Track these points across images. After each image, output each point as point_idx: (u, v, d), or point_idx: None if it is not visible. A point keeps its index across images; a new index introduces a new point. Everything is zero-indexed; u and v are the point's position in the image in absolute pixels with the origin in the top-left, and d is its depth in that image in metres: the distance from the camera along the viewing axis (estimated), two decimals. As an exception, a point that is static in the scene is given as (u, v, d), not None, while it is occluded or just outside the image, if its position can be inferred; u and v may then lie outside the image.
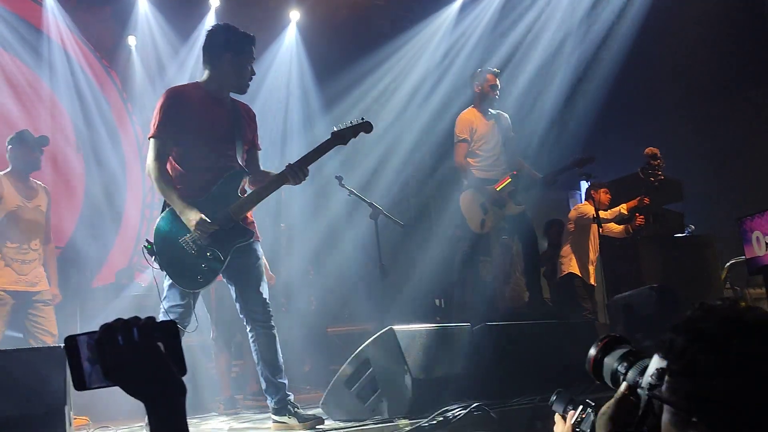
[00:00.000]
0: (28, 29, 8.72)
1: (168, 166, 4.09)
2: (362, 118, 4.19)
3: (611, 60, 8.76)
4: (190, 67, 9.08)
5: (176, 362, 1.32)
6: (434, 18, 9.72)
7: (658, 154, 7.15)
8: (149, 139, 4.08)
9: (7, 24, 8.45)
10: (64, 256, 8.10)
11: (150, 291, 7.50)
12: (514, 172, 6.41)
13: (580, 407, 2.00)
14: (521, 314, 6.93)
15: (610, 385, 1.53)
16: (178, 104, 4.07)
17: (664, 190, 7.63)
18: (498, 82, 6.59)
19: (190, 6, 9.29)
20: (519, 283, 7.69)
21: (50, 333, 5.67)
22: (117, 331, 1.30)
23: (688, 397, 1.18)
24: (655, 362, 1.30)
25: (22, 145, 5.68)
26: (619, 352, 1.53)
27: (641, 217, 7.30)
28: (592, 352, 1.56)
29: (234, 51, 4.10)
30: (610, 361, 1.53)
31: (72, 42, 9.01)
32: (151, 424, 1.30)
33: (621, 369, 1.49)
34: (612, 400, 1.48)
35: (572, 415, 2.07)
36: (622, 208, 7.41)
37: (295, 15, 9.72)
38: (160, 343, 1.32)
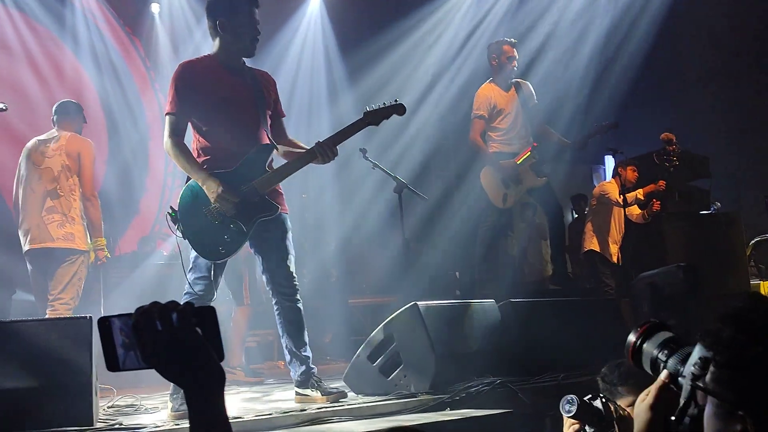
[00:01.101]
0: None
1: (193, 142, 4.05)
2: (395, 100, 4.14)
3: (642, 31, 8.58)
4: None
5: (215, 348, 1.31)
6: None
7: (674, 140, 7.02)
8: (165, 115, 4.02)
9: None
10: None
11: (173, 260, 7.53)
12: (535, 144, 6.30)
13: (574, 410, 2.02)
14: (545, 290, 6.90)
15: (649, 372, 1.49)
16: (191, 77, 3.99)
17: (689, 166, 7.52)
18: (515, 52, 6.45)
19: (213, -27, 9.21)
20: (543, 256, 7.65)
21: None
22: (155, 315, 1.28)
23: (734, 389, 1.15)
24: (698, 351, 1.26)
25: (78, 113, 5.74)
26: (659, 338, 1.48)
27: (657, 203, 7.20)
28: (632, 338, 1.52)
29: (226, 15, 3.97)
30: (650, 348, 1.48)
31: (96, 9, 8.98)
32: (190, 408, 1.30)
33: (661, 356, 1.45)
34: (651, 387, 1.46)
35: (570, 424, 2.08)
36: (639, 194, 7.34)
37: (319, -17, 9.63)
38: (198, 329, 1.30)
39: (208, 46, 8.86)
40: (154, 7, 9.29)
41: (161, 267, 7.09)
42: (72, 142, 5.51)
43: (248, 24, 4.01)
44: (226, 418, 1.32)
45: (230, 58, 4.08)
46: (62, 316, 5.07)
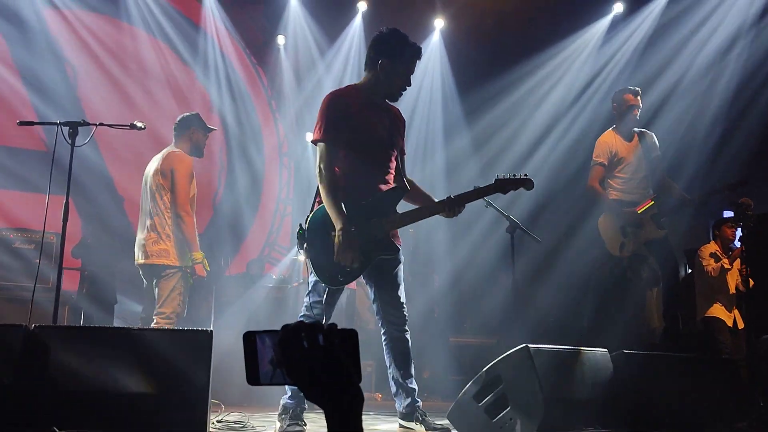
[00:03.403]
0: (188, 25, 9.20)
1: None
2: (525, 174, 4.22)
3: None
4: (336, 69, 9.30)
5: (355, 369, 1.34)
6: (583, 33, 9.51)
7: (752, 205, 6.69)
8: (314, 143, 4.11)
9: (170, 19, 8.94)
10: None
11: (282, 284, 7.74)
12: (656, 196, 6.16)
13: None
14: (656, 344, 6.66)
15: None
16: (342, 108, 4.09)
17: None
18: (639, 101, 6.34)
19: (339, 9, 9.52)
20: (655, 310, 7.39)
21: None
22: (302, 333, 1.32)
23: None
24: None
25: (196, 128, 5.75)
26: None
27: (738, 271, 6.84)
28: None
29: (391, 58, 4.09)
30: None
31: (226, 39, 9.42)
32: (329, 427, 1.32)
33: None
34: None
35: None
36: (724, 263, 7.04)
37: (439, 23, 9.79)
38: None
39: (330, 79, 9.27)
40: (280, 39, 9.66)
41: (270, 290, 7.27)
42: (166, 161, 5.57)
43: (405, 74, 4.14)
44: None
45: (376, 94, 4.19)
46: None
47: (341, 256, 3.87)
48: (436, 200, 4.19)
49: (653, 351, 5.55)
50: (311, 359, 1.31)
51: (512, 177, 4.17)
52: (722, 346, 6.89)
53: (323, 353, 1.31)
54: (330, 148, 4.04)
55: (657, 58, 8.97)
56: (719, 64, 8.59)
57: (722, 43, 8.54)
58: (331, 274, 3.97)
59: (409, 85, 4.20)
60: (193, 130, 5.74)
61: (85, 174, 7.32)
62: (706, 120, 8.61)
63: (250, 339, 1.40)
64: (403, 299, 4.16)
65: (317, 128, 4.08)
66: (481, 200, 5.36)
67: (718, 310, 7.12)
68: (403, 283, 4.21)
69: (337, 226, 3.91)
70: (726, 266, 7.07)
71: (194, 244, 5.51)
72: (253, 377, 1.39)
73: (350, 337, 1.36)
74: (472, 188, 5.28)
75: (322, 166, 4.03)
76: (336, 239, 3.89)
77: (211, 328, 4.44)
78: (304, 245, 3.97)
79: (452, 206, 4.03)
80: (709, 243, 7.58)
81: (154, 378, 3.55)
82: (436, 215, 4.16)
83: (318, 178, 4.05)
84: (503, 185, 4.15)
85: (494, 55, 9.76)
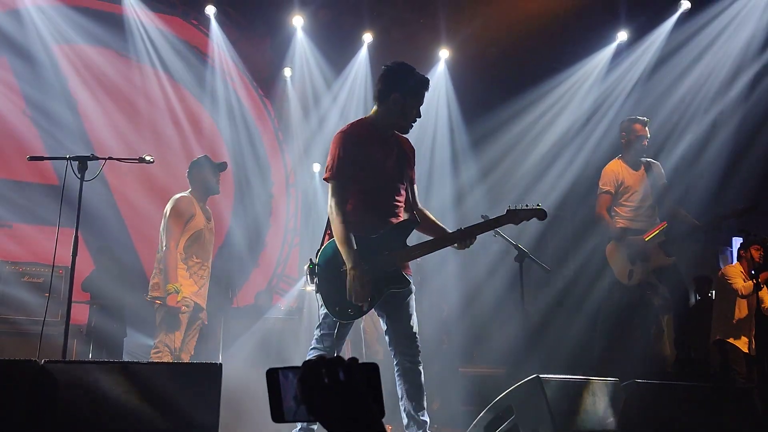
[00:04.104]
0: (196, 58, 9.31)
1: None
2: (538, 205, 4.20)
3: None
4: (343, 101, 9.37)
5: (377, 404, 1.33)
6: (587, 61, 9.57)
7: None
8: (326, 180, 4.12)
9: (177, 53, 9.04)
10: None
11: (290, 315, 7.72)
12: (664, 223, 6.16)
13: None
14: (666, 372, 6.61)
15: None
16: (354, 145, 4.08)
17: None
18: (646, 131, 6.37)
19: (345, 42, 9.62)
20: (666, 338, 7.34)
21: (190, 351, 5.91)
22: (322, 369, 1.31)
23: None
24: None
25: (202, 169, 5.99)
26: None
27: None
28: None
29: (402, 91, 4.10)
30: None
31: (233, 71, 9.51)
32: None
33: None
34: None
35: None
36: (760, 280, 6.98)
37: (444, 53, 9.85)
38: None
39: (336, 110, 9.33)
40: (287, 71, 9.74)
41: (279, 321, 7.25)
42: (168, 203, 5.87)
43: (416, 106, 4.16)
44: None
45: (386, 127, 4.20)
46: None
47: (355, 295, 3.88)
48: (448, 230, 4.19)
49: (665, 380, 5.50)
50: (332, 395, 1.30)
51: (525, 208, 4.16)
52: (736, 374, 6.83)
53: (344, 389, 1.30)
54: (342, 186, 4.04)
55: (662, 86, 9.02)
56: (725, 90, 8.62)
57: (728, 70, 8.58)
58: (342, 309, 3.97)
59: (420, 116, 4.21)
60: (200, 173, 5.98)
61: (95, 208, 7.36)
62: (714, 147, 8.63)
63: (273, 376, 1.40)
64: (415, 329, 4.14)
65: (329, 167, 4.08)
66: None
67: (734, 334, 7.05)
68: (415, 313, 4.19)
69: (349, 264, 3.90)
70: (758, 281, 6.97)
71: (170, 275, 5.63)
72: (278, 414, 1.40)
73: (371, 371, 1.35)
74: (482, 219, 5.33)
75: (333, 204, 4.02)
76: (348, 277, 3.89)
77: (220, 361, 4.43)
78: (315, 280, 3.97)
79: (464, 238, 4.03)
80: (732, 264, 7.51)
81: (164, 413, 3.52)
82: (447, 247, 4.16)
83: (330, 216, 4.05)
84: (515, 216, 4.15)
85: (499, 85, 9.83)
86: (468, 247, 4.08)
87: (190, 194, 5.93)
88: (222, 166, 6.06)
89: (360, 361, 1.33)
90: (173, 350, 5.59)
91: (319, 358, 1.33)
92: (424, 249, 4.10)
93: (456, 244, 4.08)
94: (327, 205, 4.13)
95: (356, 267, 3.88)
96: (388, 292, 4.01)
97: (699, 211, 7.22)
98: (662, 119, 8.68)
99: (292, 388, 1.37)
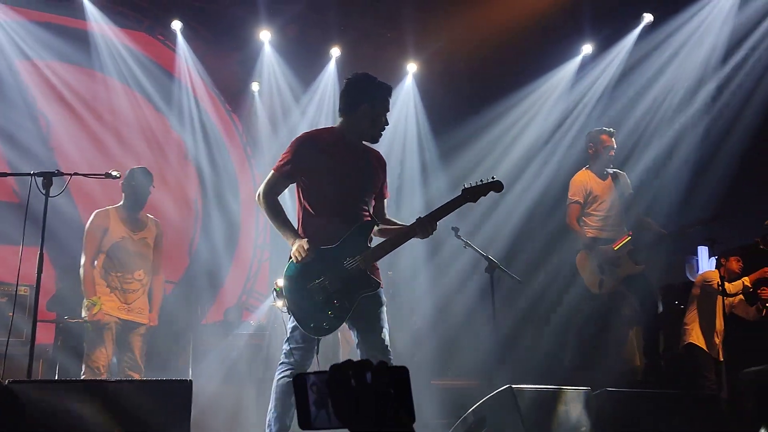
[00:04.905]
0: (162, 73, 9.23)
1: (298, 210, 4.14)
2: (492, 177, 4.15)
3: (753, 114, 8.35)
4: (311, 115, 9.36)
5: (406, 409, 1.30)
6: (553, 74, 9.67)
7: None
8: (272, 171, 4.14)
9: (143, 68, 8.96)
10: (177, 292, 8.39)
11: (260, 330, 7.65)
12: (631, 233, 6.24)
13: None
14: (637, 381, 6.66)
15: None
16: (312, 146, 4.11)
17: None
18: (613, 142, 6.47)
19: (313, 56, 9.62)
20: (635, 346, 7.40)
21: (140, 368, 5.81)
22: (349, 372, 1.29)
23: None
24: None
25: (131, 180, 5.96)
26: None
27: (767, 290, 6.88)
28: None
29: (371, 101, 4.12)
30: None
31: (200, 86, 9.45)
32: None
33: None
34: None
35: None
36: (745, 280, 7.04)
37: (412, 67, 9.90)
38: (391, 389, 1.30)
39: (305, 124, 9.30)
40: (254, 86, 9.70)
41: (249, 337, 7.17)
42: None
43: (384, 114, 4.18)
44: None
45: (354, 137, 4.20)
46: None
47: (296, 254, 3.89)
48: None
49: (636, 389, 5.55)
50: (359, 399, 1.27)
51: (479, 183, 4.10)
52: (706, 381, 6.89)
53: (372, 393, 1.27)
54: (279, 180, 4.12)
55: (626, 97, 9.13)
56: (689, 101, 8.75)
57: (690, 82, 8.72)
58: (317, 325, 3.93)
59: (388, 124, 4.23)
60: (129, 184, 5.96)
61: (60, 225, 7.22)
62: (679, 157, 8.74)
63: (300, 381, 1.36)
64: (387, 342, 4.11)
65: (279, 160, 4.13)
66: (459, 241, 5.41)
67: (705, 339, 7.08)
68: (386, 326, 4.16)
69: (290, 240, 3.96)
70: (747, 283, 7.02)
71: (86, 291, 5.66)
72: (305, 421, 1.36)
73: (401, 375, 1.31)
74: (452, 229, 5.33)
75: (262, 191, 4.11)
76: (293, 249, 3.92)
77: (190, 378, 4.37)
78: (284, 302, 3.95)
79: (423, 227, 3.97)
80: (711, 270, 7.54)
81: (137, 429, 3.48)
82: (412, 239, 4.10)
83: (260, 204, 4.12)
84: (472, 193, 4.08)
85: (467, 98, 9.89)
86: (430, 234, 4.00)
87: (115, 208, 5.92)
88: (150, 179, 6.08)
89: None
90: (96, 369, 5.49)
91: (347, 361, 1.31)
92: (387, 246, 4.06)
93: (419, 234, 4.00)
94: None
95: (295, 239, 3.94)
96: (360, 298, 3.99)
97: (665, 221, 7.30)
98: (628, 130, 8.79)
99: (313, 393, 1.34)
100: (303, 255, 3.88)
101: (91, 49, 8.65)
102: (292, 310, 3.93)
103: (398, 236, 4.08)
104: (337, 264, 3.93)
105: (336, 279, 3.91)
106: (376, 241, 4.21)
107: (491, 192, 4.16)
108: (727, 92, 8.54)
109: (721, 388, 6.66)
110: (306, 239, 3.90)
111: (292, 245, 3.94)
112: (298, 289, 3.94)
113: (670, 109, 8.84)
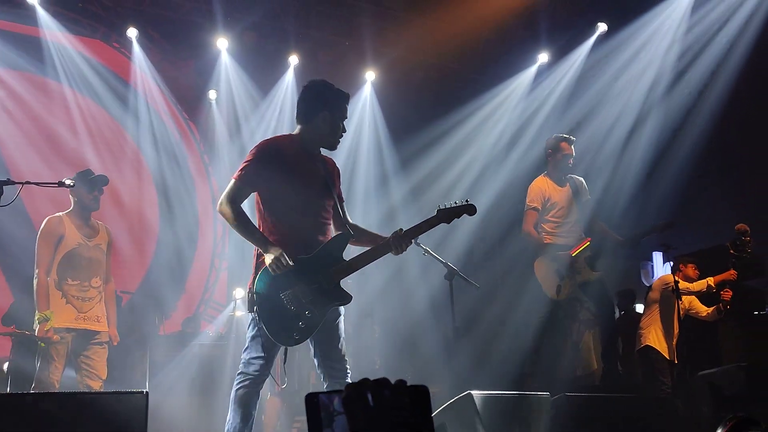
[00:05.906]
0: (117, 81, 9.11)
1: (259, 220, 4.09)
2: (466, 200, 4.16)
3: (703, 122, 8.52)
4: (269, 123, 9.32)
5: (426, 427, 1.27)
6: (510, 81, 9.78)
7: (749, 231, 6.90)
8: (233, 180, 4.07)
9: (98, 75, 8.84)
10: (133, 302, 8.25)
11: (219, 341, 7.57)
12: (589, 239, 6.30)
13: None
14: (594, 385, 6.74)
15: None
16: (272, 154, 4.07)
17: (746, 266, 7.35)
18: (572, 149, 6.52)
19: (271, 64, 9.58)
20: (593, 351, 7.48)
21: (99, 377, 5.61)
22: (367, 390, 1.26)
23: None
24: None
25: (82, 184, 5.62)
26: None
27: (729, 292, 7.00)
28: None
29: (330, 109, 4.10)
30: None
31: (156, 94, 9.34)
32: None
33: None
34: None
35: None
36: (709, 281, 7.14)
37: (370, 75, 9.91)
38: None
39: (261, 131, 9.24)
40: (212, 94, 9.63)
41: (207, 348, 7.10)
42: None
43: (343, 121, 4.17)
44: None
45: (313, 145, 4.18)
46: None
47: (274, 265, 3.81)
48: (385, 237, 4.12)
49: (594, 393, 5.61)
50: (378, 419, 1.23)
51: (453, 206, 4.11)
52: (661, 384, 6.98)
53: (391, 412, 1.24)
54: (243, 190, 4.04)
55: (582, 105, 9.27)
56: (644, 107, 8.91)
57: (645, 87, 8.88)
58: (288, 335, 3.89)
59: (346, 131, 4.23)
60: (74, 190, 5.59)
61: (11, 237, 7.08)
62: (634, 164, 8.89)
63: (312, 401, 1.31)
64: (343, 351, 4.10)
65: (239, 167, 4.06)
66: (419, 248, 5.42)
67: (661, 342, 7.14)
68: (343, 335, 4.15)
69: (264, 248, 3.88)
70: (711, 283, 7.09)
71: (39, 304, 5.43)
72: None
73: (421, 393, 1.28)
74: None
75: (225, 200, 4.00)
76: (268, 259, 3.83)
77: (146, 390, 4.30)
78: (255, 308, 3.90)
79: (398, 244, 3.97)
80: (668, 274, 7.60)
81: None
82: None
83: (226, 216, 4.01)
84: (446, 215, 4.10)
85: (426, 105, 9.95)
86: (404, 251, 4.02)
87: (66, 213, 5.67)
88: (101, 180, 5.76)
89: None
90: (50, 384, 5.32)
91: (364, 379, 1.27)
92: (362, 261, 4.04)
93: (393, 250, 3.99)
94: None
95: (272, 247, 3.85)
96: (331, 308, 3.97)
97: (621, 227, 7.41)
98: (584, 137, 8.91)
99: (325, 412, 1.30)
100: (283, 266, 3.84)
101: (44, 57, 8.50)
102: (262, 318, 3.88)
103: (374, 251, 4.06)
104: (311, 275, 3.90)
105: (309, 290, 3.87)
106: (351, 250, 4.21)
107: (464, 215, 4.19)
108: (678, 100, 8.72)
109: (676, 391, 6.75)
110: (281, 250, 3.86)
111: (267, 254, 3.88)
112: (270, 298, 3.88)
113: (625, 115, 8.99)
